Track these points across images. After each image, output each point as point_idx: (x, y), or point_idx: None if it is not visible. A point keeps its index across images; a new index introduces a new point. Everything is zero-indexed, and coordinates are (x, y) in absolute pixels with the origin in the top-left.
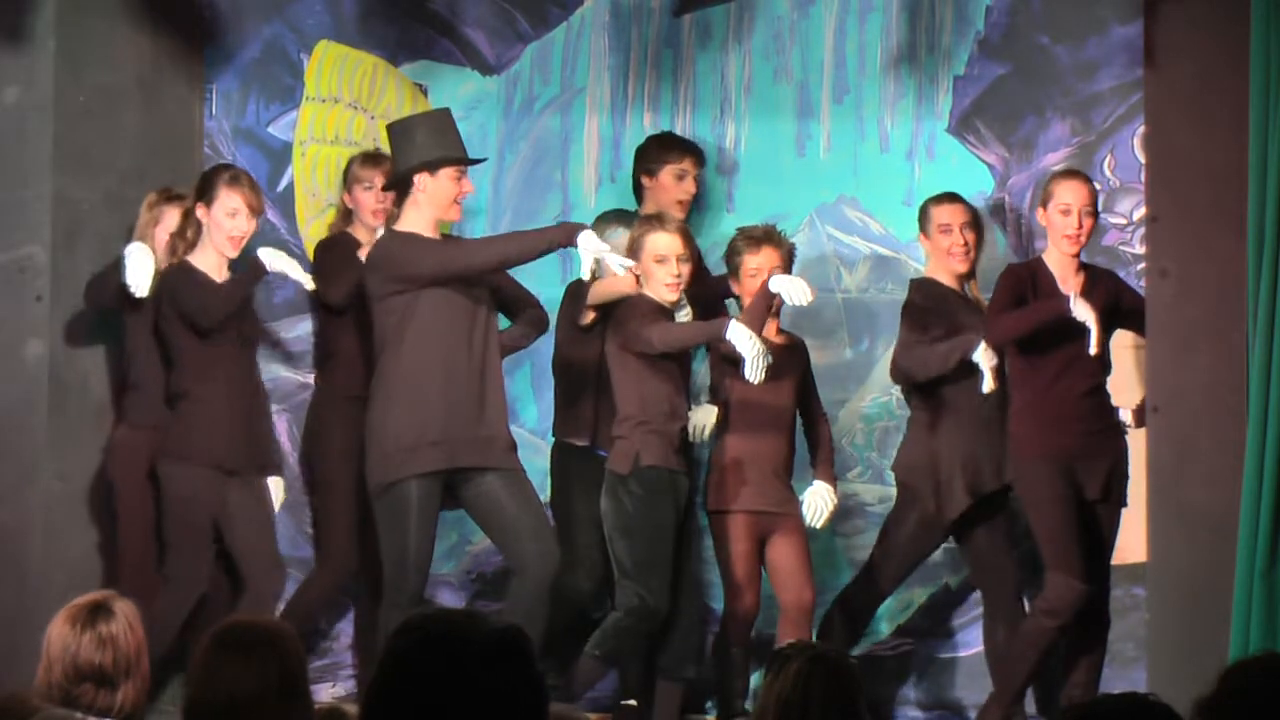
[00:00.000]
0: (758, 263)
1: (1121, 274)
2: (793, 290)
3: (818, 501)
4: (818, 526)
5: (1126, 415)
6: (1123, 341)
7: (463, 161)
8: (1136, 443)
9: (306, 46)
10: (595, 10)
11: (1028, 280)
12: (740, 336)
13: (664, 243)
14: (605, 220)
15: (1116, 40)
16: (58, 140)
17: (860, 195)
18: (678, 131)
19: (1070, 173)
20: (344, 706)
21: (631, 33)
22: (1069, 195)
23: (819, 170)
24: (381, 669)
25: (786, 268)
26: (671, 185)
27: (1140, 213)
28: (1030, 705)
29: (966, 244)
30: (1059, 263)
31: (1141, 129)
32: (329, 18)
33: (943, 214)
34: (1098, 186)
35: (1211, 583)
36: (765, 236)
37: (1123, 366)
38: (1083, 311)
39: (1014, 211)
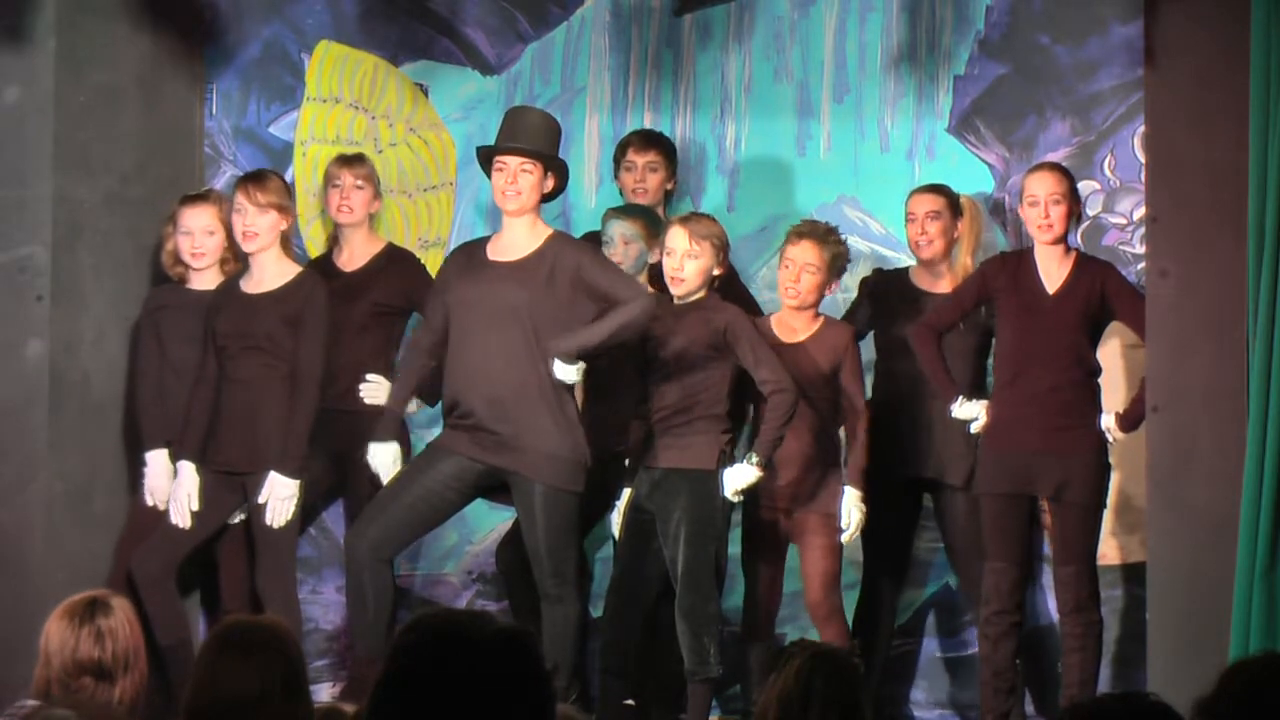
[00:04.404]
0: (793, 254)
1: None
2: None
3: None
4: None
5: (1110, 420)
6: (1114, 344)
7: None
8: (1134, 444)
9: (307, 46)
10: (595, 10)
11: (1003, 273)
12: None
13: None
14: (614, 214)
15: (1116, 40)
16: (58, 140)
17: (860, 195)
18: (677, 131)
19: (1037, 165)
20: (343, 706)
21: (631, 33)
22: (1034, 186)
23: (819, 170)
24: (388, 667)
25: (830, 269)
26: (625, 180)
27: (1140, 213)
28: (1029, 705)
29: (927, 234)
30: (1042, 254)
31: (1141, 129)
32: (329, 18)
33: (910, 203)
34: (1097, 186)
35: (1211, 583)
36: (809, 231)
37: (1111, 369)
38: (961, 411)
39: (1014, 211)
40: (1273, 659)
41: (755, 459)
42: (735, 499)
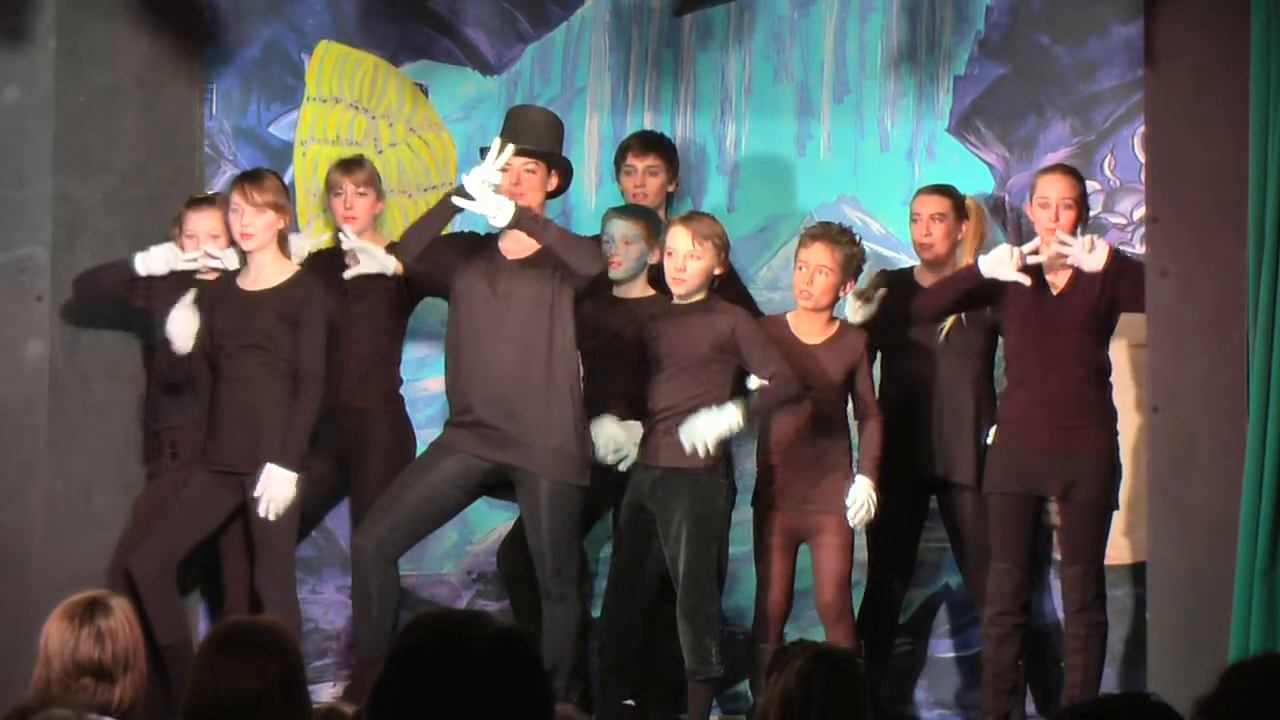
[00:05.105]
0: (806, 256)
1: None
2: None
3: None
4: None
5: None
6: (1119, 344)
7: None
8: (1137, 444)
9: (307, 46)
10: (595, 10)
11: None
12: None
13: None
14: (615, 214)
15: (1116, 40)
16: (58, 140)
17: (860, 195)
18: (677, 131)
19: (1052, 167)
20: (343, 706)
21: (631, 33)
22: (1047, 189)
23: (819, 170)
24: (388, 667)
25: (844, 270)
26: (625, 184)
27: (1140, 213)
28: (1030, 705)
29: (931, 235)
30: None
31: (1141, 129)
32: (329, 18)
33: (915, 204)
34: (1097, 186)
35: (1211, 583)
36: (822, 233)
37: (1117, 369)
38: (992, 268)
39: (1014, 211)
40: (1273, 659)
41: (740, 410)
42: (704, 444)
